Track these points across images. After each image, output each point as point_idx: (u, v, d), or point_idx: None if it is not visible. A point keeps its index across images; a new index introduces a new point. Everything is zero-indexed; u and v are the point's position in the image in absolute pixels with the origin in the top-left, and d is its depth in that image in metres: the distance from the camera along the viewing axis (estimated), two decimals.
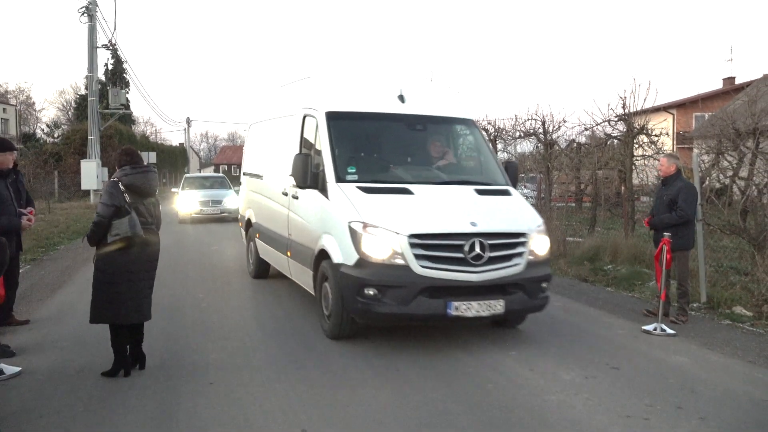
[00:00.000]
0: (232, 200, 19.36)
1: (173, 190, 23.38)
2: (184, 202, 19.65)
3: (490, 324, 6.70)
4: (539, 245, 6.04)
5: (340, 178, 6.28)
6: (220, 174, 27.02)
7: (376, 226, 5.59)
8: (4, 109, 51.49)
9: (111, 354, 5.16)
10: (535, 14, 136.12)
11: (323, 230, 6.26)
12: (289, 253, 7.54)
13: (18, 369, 5.08)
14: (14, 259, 6.01)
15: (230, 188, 20.60)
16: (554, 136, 16.38)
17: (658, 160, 8.60)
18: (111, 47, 27.92)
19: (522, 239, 5.89)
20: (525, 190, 19.20)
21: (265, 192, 8.73)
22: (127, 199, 4.97)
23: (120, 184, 5.01)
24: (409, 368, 5.36)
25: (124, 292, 4.98)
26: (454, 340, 6.24)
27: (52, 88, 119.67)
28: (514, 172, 7.02)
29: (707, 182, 11.48)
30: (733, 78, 33.47)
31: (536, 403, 4.60)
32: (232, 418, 4.33)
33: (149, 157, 36.69)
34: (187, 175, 24.90)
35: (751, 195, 10.34)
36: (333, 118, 6.68)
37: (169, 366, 5.39)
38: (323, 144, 6.60)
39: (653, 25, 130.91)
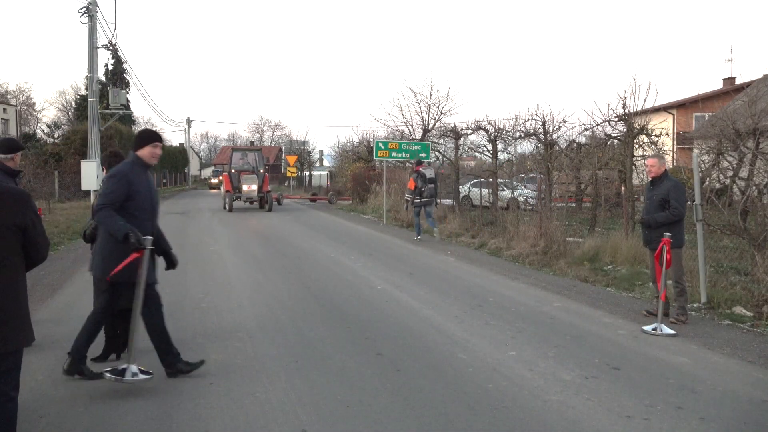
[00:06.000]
0: None
1: None
2: None
3: (489, 324, 6.78)
4: None
5: None
6: None
7: None
8: (4, 110, 51.44)
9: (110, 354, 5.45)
10: (534, 14, 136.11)
11: None
12: None
13: (150, 375, 4.87)
14: None
15: None
16: (554, 136, 16.38)
17: (645, 163, 8.67)
18: (111, 47, 27.91)
19: None
20: (525, 191, 19.25)
21: None
22: None
23: None
24: (409, 368, 5.36)
25: None
26: (453, 340, 6.24)
27: (52, 88, 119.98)
28: None
29: (707, 182, 11.49)
30: (733, 78, 33.39)
31: (536, 404, 4.60)
32: (232, 418, 4.33)
33: None
34: None
35: (751, 195, 10.34)
36: None
37: None
38: None
39: (653, 25, 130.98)
